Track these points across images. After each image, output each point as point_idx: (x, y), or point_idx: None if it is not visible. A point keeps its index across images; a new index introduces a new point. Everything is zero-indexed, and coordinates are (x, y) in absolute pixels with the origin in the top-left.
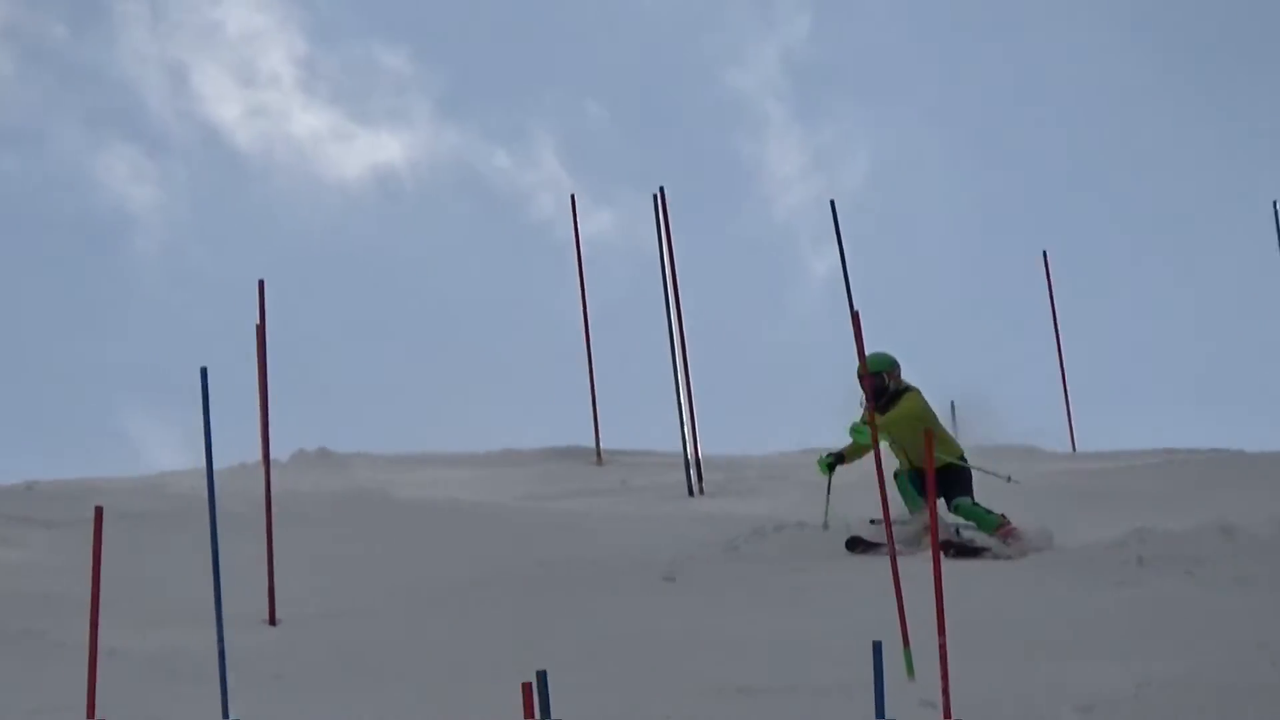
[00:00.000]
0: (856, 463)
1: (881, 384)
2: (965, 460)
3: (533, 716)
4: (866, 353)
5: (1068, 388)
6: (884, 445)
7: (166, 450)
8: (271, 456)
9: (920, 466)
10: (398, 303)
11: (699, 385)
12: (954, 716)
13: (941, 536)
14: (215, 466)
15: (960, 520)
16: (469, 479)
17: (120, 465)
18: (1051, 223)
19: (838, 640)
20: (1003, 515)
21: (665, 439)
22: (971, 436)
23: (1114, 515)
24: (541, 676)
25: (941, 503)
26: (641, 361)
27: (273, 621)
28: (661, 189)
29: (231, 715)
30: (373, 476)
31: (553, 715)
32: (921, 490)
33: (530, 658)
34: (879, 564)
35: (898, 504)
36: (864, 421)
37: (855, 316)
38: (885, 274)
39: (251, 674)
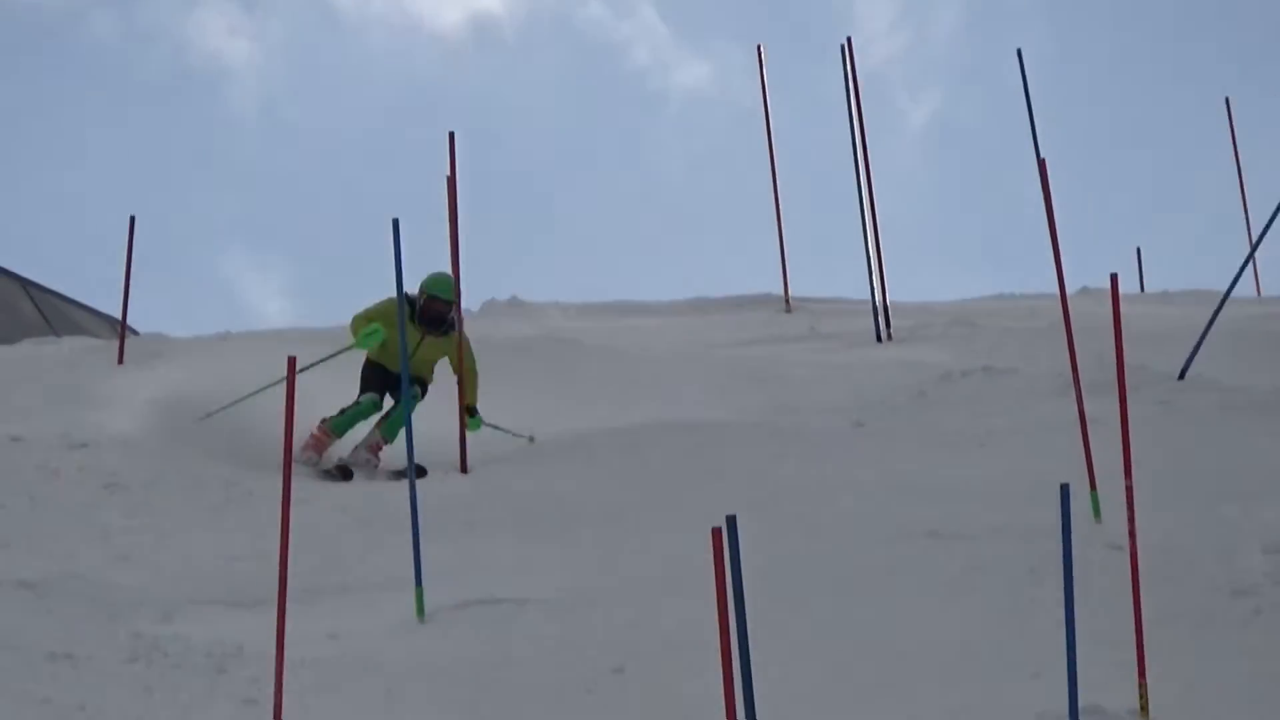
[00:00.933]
0: None
1: (447, 312)
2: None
3: (722, 562)
4: None
5: (1251, 234)
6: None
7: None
8: (463, 305)
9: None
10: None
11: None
12: (1140, 558)
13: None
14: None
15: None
16: (659, 326)
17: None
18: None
19: (1025, 484)
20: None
21: (853, 286)
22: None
23: None
24: (731, 521)
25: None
26: (827, 210)
27: (464, 469)
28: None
29: (425, 558)
30: (564, 325)
31: (741, 560)
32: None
33: (718, 503)
34: (1067, 409)
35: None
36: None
37: (1042, 164)
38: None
39: (444, 521)
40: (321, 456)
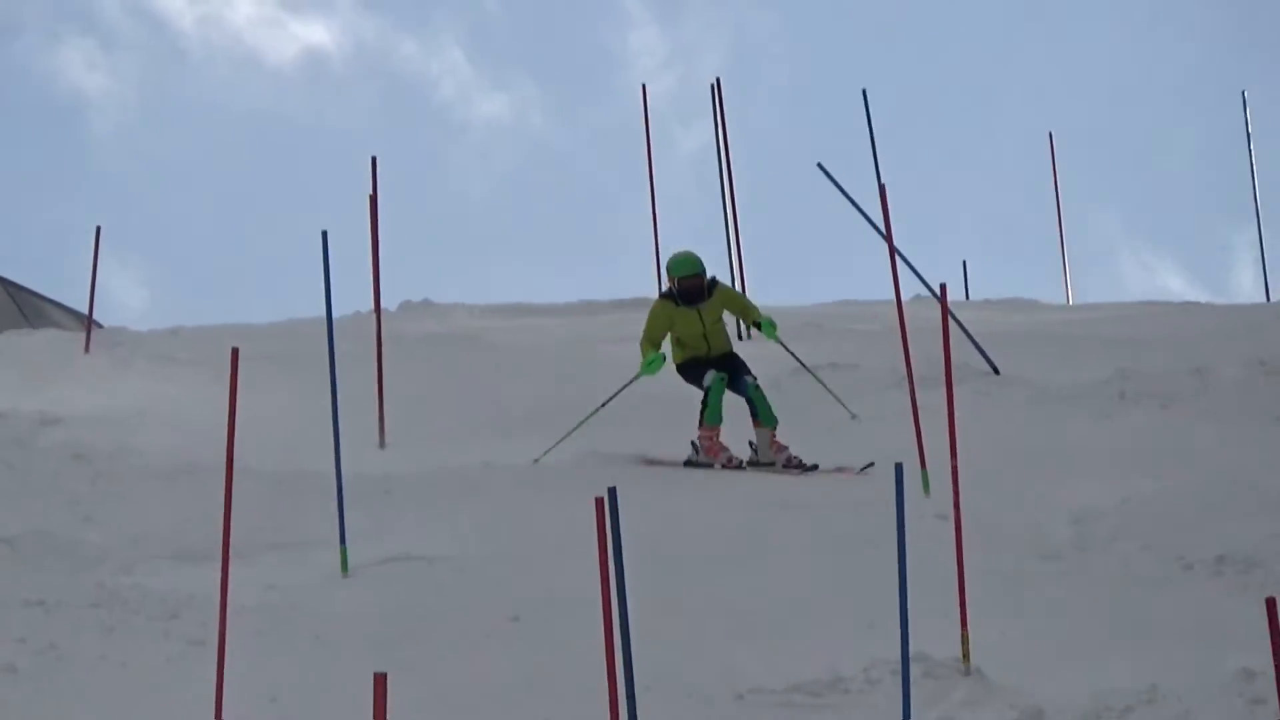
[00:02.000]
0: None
1: (702, 283)
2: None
3: (604, 527)
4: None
5: (1065, 247)
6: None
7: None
8: (382, 306)
9: (711, 352)
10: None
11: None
12: (963, 527)
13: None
14: (335, 315)
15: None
16: (551, 326)
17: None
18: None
19: (863, 463)
20: (776, 419)
21: None
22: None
23: (1099, 358)
24: (612, 492)
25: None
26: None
27: (382, 445)
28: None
29: (347, 522)
30: (469, 323)
31: (622, 528)
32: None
33: (602, 476)
34: (900, 399)
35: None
36: (751, 323)
37: (883, 190)
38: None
39: (363, 490)
40: (726, 449)
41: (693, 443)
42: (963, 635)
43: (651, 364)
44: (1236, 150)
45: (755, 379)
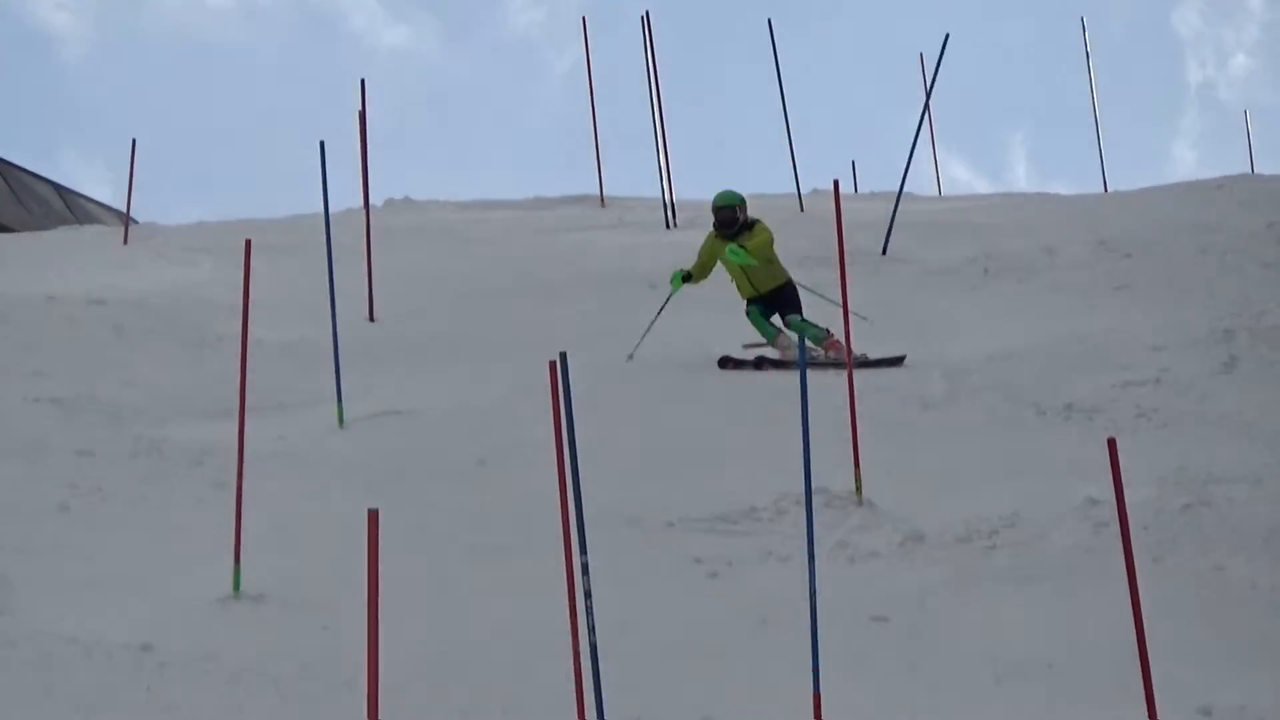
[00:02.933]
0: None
1: (734, 216)
2: (793, 283)
3: (557, 387)
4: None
5: (935, 145)
6: (725, 274)
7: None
8: (370, 203)
9: (765, 292)
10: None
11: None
12: (854, 381)
13: (785, 355)
14: (331, 210)
15: (793, 333)
16: (509, 218)
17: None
18: None
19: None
20: (828, 329)
21: (651, 186)
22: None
23: (967, 240)
24: (563, 356)
25: (778, 319)
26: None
27: (371, 319)
28: None
29: (343, 383)
30: (441, 216)
31: (571, 386)
32: (767, 317)
33: (552, 342)
34: (802, 277)
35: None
36: (740, 245)
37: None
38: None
39: (356, 356)
40: (850, 349)
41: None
42: (856, 473)
43: (674, 280)
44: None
45: (801, 318)
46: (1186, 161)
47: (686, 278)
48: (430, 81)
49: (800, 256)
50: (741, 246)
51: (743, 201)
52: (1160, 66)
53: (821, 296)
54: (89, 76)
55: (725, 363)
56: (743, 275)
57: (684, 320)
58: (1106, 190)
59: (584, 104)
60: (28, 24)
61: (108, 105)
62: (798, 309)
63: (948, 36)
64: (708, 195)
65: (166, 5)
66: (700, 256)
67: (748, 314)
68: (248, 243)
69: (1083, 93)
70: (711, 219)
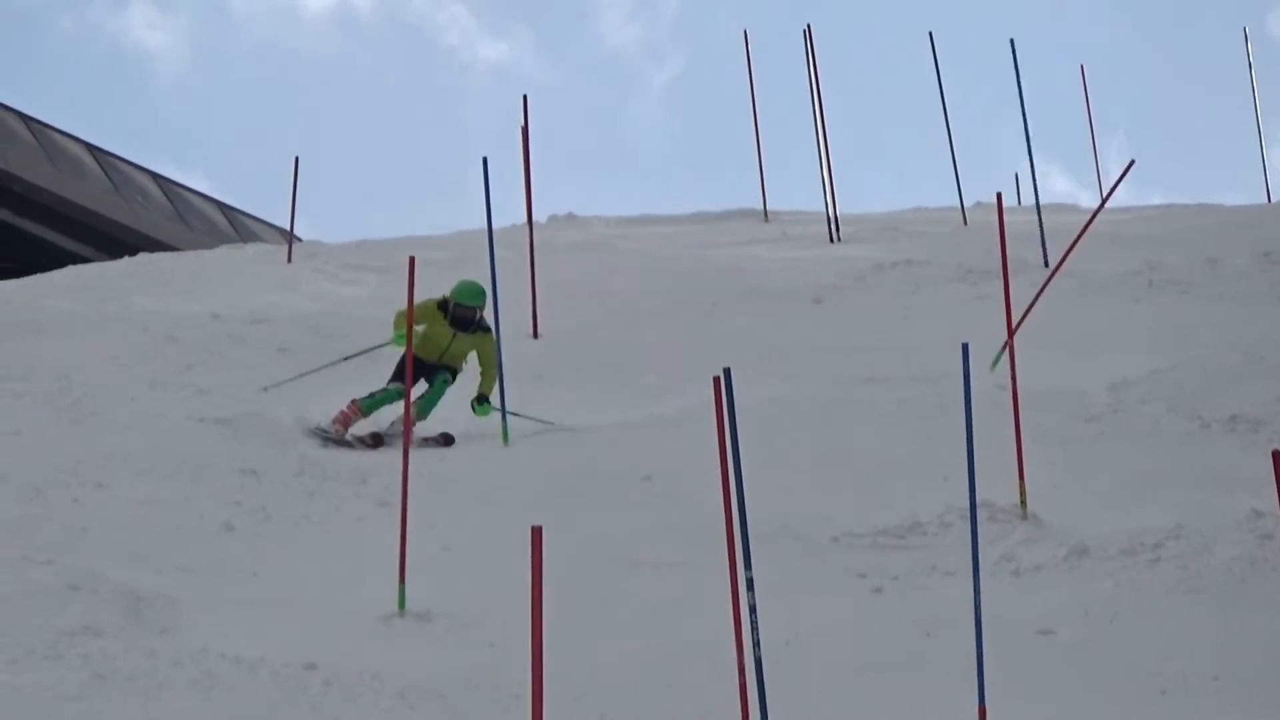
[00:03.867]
0: None
1: (474, 316)
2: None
3: (721, 404)
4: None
5: (1098, 158)
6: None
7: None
8: (534, 219)
9: (430, 362)
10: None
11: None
12: (1019, 395)
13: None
14: (495, 226)
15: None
16: (672, 233)
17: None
18: None
19: (936, 344)
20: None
21: (813, 200)
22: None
23: (1130, 252)
24: (727, 373)
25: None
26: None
27: (535, 335)
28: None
29: (507, 400)
30: (605, 231)
31: (735, 402)
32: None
33: (716, 359)
34: (967, 290)
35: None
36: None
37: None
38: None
39: (520, 374)
40: (346, 430)
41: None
42: (1020, 486)
43: (399, 340)
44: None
45: (450, 382)
46: None
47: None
48: (575, 95)
49: (964, 270)
50: (487, 403)
51: (484, 301)
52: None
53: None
54: (189, 95)
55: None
56: (442, 356)
57: (843, 335)
58: (1270, 200)
59: (734, 117)
60: (123, 41)
61: (262, 121)
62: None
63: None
64: (869, 209)
65: (257, 19)
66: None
67: (388, 392)
68: (411, 260)
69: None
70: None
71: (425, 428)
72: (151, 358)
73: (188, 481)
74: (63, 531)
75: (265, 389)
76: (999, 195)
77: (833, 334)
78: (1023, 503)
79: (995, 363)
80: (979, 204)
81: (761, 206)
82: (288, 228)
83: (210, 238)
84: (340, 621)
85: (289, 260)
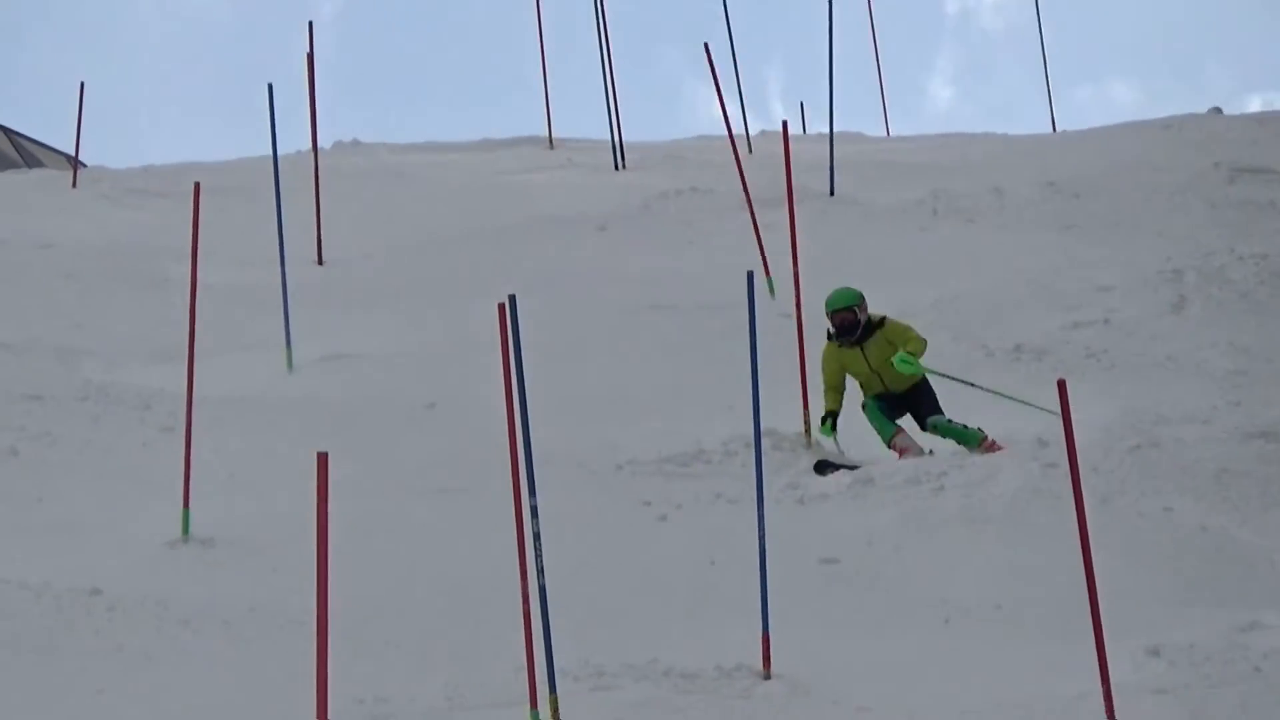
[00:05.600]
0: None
1: (854, 319)
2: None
3: (506, 330)
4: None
5: (883, 83)
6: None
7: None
8: (319, 145)
9: (888, 390)
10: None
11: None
12: (802, 323)
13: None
14: (280, 152)
15: (938, 438)
16: (457, 160)
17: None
18: None
19: (722, 272)
20: (980, 429)
21: (599, 128)
22: (814, 128)
23: (915, 181)
24: (512, 299)
25: (914, 424)
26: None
27: (320, 261)
28: None
29: (291, 326)
30: (390, 159)
31: (520, 329)
32: (889, 415)
33: (501, 285)
34: (747, 218)
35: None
36: (908, 355)
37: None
38: None
39: (305, 301)
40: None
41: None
42: (804, 414)
43: (824, 430)
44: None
45: (946, 419)
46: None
47: (832, 419)
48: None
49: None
50: (910, 356)
51: (861, 299)
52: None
53: (960, 380)
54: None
55: (824, 468)
56: (876, 377)
57: (628, 263)
58: (1055, 129)
59: (518, 44)
60: None
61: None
62: (938, 407)
63: None
64: (652, 137)
65: None
66: (827, 379)
67: (865, 409)
68: (196, 185)
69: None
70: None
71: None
72: None
73: None
74: None
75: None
76: (784, 123)
77: (617, 261)
78: (807, 431)
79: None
80: (764, 132)
81: (547, 134)
82: (72, 153)
83: None
84: (125, 547)
85: (74, 185)
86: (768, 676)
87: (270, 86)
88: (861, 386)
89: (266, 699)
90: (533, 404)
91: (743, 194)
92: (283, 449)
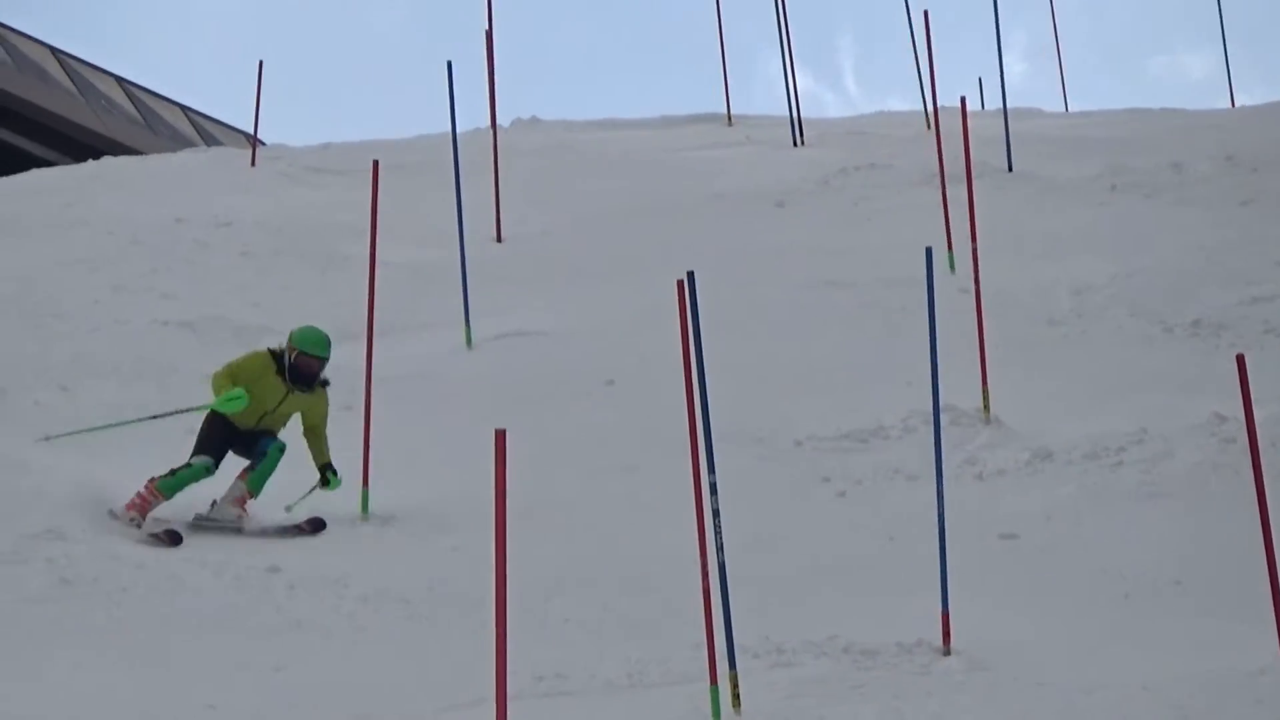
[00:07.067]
0: None
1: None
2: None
3: (684, 304)
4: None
5: (1061, 57)
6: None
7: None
8: (498, 123)
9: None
10: None
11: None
12: (982, 299)
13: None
14: (459, 130)
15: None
16: (636, 137)
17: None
18: None
19: (901, 247)
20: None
21: (776, 105)
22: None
23: (1093, 156)
24: (690, 275)
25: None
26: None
27: (499, 239)
28: None
29: (470, 303)
30: (568, 136)
31: (699, 305)
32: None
33: (680, 261)
34: (930, 193)
35: None
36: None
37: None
38: None
39: (483, 278)
40: (145, 518)
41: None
42: (983, 389)
43: (231, 400)
44: None
45: (282, 448)
46: None
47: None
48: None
49: (929, 173)
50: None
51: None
52: None
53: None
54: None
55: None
56: (262, 417)
57: (806, 238)
58: (1234, 105)
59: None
60: None
61: (224, 25)
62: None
63: None
64: (831, 114)
65: None
66: (240, 375)
67: (193, 469)
68: (375, 164)
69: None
70: None
71: (279, 514)
72: (115, 261)
73: (153, 385)
74: (27, 435)
75: (47, 438)
76: (963, 99)
77: (796, 237)
78: (985, 407)
79: (955, 265)
80: (942, 109)
81: (725, 110)
82: (251, 131)
83: (174, 142)
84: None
85: (253, 164)
86: (947, 652)
87: (449, 64)
88: (238, 415)
89: (445, 676)
90: (711, 380)
91: (920, 170)
92: (461, 427)
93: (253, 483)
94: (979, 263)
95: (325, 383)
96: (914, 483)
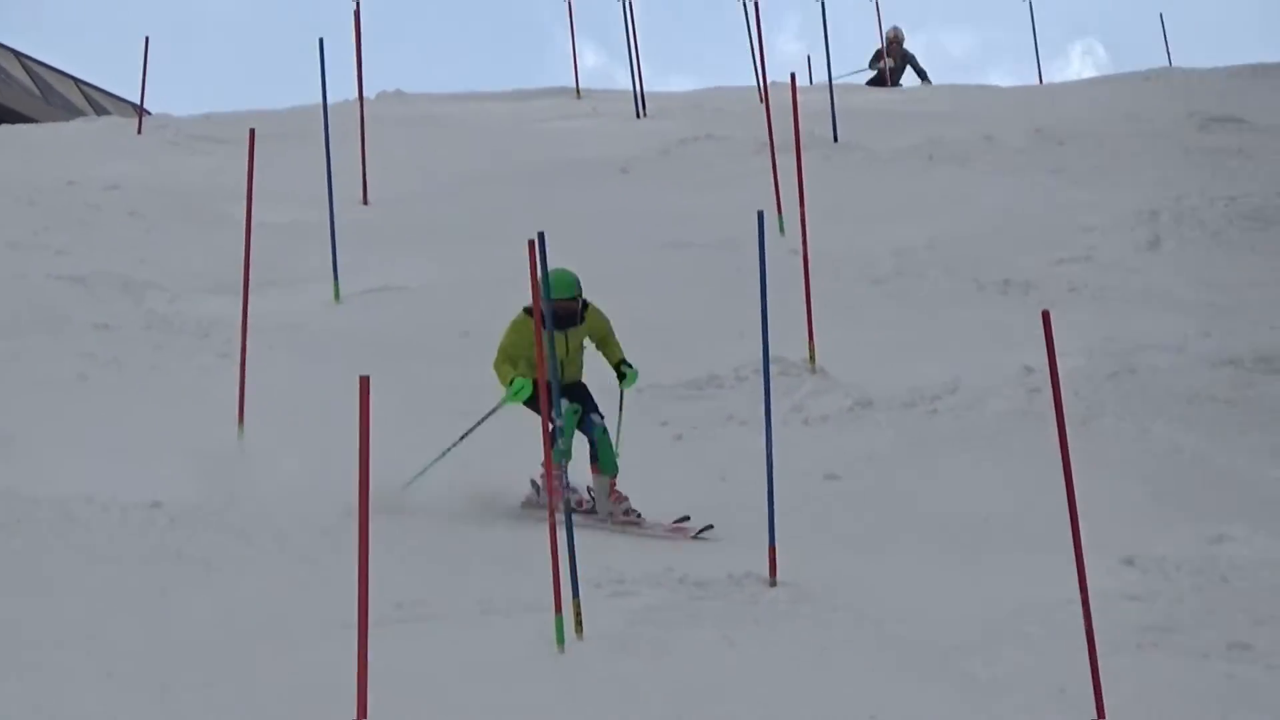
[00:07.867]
0: None
1: (578, 306)
2: None
3: (534, 268)
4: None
5: (884, 37)
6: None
7: None
8: (365, 95)
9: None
10: None
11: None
12: (809, 259)
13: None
14: (329, 101)
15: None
16: (490, 109)
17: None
18: None
19: (734, 212)
20: (617, 464)
21: (623, 80)
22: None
23: (913, 128)
24: (541, 236)
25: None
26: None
27: (365, 202)
28: None
29: (339, 261)
30: (431, 107)
31: (547, 264)
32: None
33: (531, 224)
34: (763, 161)
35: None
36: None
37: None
38: None
39: (351, 238)
40: (573, 489)
41: (533, 481)
42: (810, 343)
43: (519, 391)
44: None
45: (603, 418)
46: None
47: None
48: None
49: (762, 144)
50: (630, 371)
51: (579, 284)
52: None
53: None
54: None
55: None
56: (562, 365)
57: (648, 203)
58: (1042, 82)
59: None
60: None
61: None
62: (597, 406)
63: None
64: (667, 87)
65: None
66: (513, 352)
67: (565, 422)
68: (252, 132)
69: None
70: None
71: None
72: (11, 221)
73: (46, 335)
74: None
75: (406, 486)
76: (793, 75)
77: (639, 202)
78: (812, 358)
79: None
80: (774, 84)
81: (574, 84)
82: (139, 102)
83: (67, 112)
84: (184, 463)
85: (139, 132)
86: (774, 584)
87: (321, 41)
88: (532, 366)
89: (314, 603)
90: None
91: (754, 140)
92: (329, 374)
93: (605, 467)
94: (807, 226)
95: (587, 306)
96: (745, 427)
